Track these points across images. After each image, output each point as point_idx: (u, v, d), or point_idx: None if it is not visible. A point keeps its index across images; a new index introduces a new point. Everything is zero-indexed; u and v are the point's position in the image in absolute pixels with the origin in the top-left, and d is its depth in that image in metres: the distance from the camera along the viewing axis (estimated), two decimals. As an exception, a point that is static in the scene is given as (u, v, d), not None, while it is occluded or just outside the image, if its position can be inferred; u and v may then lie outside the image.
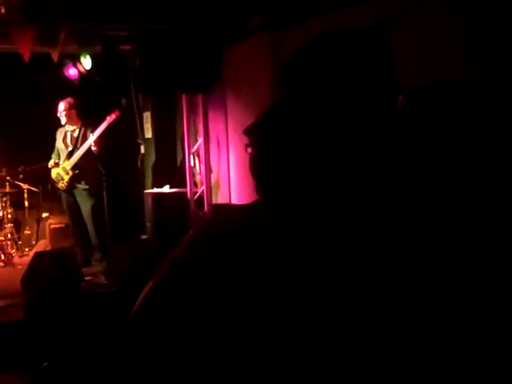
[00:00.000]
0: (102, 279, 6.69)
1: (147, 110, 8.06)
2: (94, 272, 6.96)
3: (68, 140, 7.26)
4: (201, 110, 6.96)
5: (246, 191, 6.70)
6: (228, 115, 7.01)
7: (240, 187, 7.10)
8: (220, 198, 7.23)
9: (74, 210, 7.32)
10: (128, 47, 6.91)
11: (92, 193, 7.27)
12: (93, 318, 5.62)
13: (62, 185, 7.22)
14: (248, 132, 1.46)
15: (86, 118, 7.28)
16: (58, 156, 7.32)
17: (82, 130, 7.23)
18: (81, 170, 7.17)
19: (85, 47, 6.80)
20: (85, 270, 6.84)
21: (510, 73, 3.88)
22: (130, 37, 6.58)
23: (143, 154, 8.21)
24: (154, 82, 6.44)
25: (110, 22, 6.16)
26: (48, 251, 6.90)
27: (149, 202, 7.32)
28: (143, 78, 6.47)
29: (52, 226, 7.80)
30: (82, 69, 7.45)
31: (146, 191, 7.60)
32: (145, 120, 8.12)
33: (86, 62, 7.16)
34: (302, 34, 5.85)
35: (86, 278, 6.67)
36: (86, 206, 7.26)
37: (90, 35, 6.60)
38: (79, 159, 7.11)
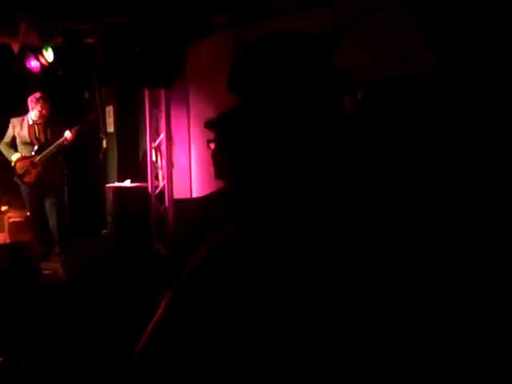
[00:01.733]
0: (61, 273, 6.66)
1: (110, 104, 8.03)
2: (53, 266, 6.93)
3: (37, 133, 7.19)
4: (163, 105, 6.96)
5: (207, 186, 6.73)
6: (190, 110, 7.03)
7: (201, 181, 7.13)
8: (181, 193, 7.24)
9: (37, 204, 7.28)
10: (91, 40, 6.87)
11: (56, 187, 7.25)
12: (50, 311, 5.60)
13: (28, 179, 7.15)
14: (208, 126, 1.50)
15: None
16: (14, 148, 7.20)
17: (50, 124, 7.20)
18: (46, 165, 7.14)
19: (46, 39, 6.74)
20: (44, 264, 6.80)
21: (471, 70, 3.97)
22: (93, 30, 6.54)
23: (105, 148, 8.17)
24: (116, 76, 6.42)
25: (72, 15, 6.12)
26: (6, 244, 6.84)
27: (110, 196, 7.29)
28: (106, 71, 6.44)
29: (11, 220, 7.72)
30: (44, 61, 7.38)
31: (107, 185, 7.57)
32: (107, 114, 8.09)
33: (48, 55, 7.09)
34: (263, 32, 5.89)
35: (45, 272, 6.65)
36: (49, 200, 7.23)
37: (51, 27, 6.54)
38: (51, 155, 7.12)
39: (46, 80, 7.72)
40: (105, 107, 8.05)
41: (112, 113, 8.02)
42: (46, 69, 7.54)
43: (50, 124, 7.24)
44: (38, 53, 7.35)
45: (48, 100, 7.22)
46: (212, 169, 1.49)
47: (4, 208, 7.84)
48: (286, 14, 5.55)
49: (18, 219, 7.75)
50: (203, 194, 6.88)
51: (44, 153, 7.15)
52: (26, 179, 7.18)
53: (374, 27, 4.73)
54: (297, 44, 1.36)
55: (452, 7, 4.11)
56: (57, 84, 7.74)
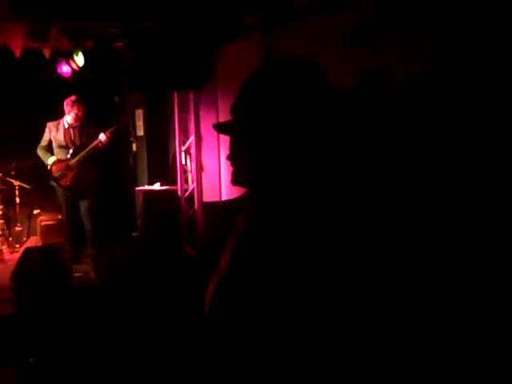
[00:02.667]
0: (92, 276, 6.71)
1: (139, 108, 8.09)
2: (85, 269, 6.99)
3: (72, 137, 7.28)
4: (192, 108, 6.98)
5: (236, 189, 6.72)
6: (219, 113, 7.02)
7: (230, 185, 7.11)
8: (210, 196, 7.25)
9: (72, 207, 7.35)
10: (121, 44, 6.92)
11: (91, 190, 7.33)
12: (82, 313, 5.64)
13: (64, 182, 7.24)
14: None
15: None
16: (51, 151, 7.31)
17: (85, 127, 7.28)
18: (81, 168, 7.23)
19: (77, 44, 6.81)
20: (75, 266, 6.87)
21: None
22: (122, 34, 6.58)
23: (135, 152, 8.23)
24: (145, 80, 6.44)
25: (102, 19, 6.17)
26: (38, 247, 6.92)
27: (139, 199, 7.33)
28: (134, 76, 6.48)
29: (43, 223, 7.81)
30: (74, 66, 7.47)
31: (136, 188, 7.62)
32: (137, 118, 8.14)
33: (79, 59, 7.17)
34: (291, 34, 5.87)
35: (76, 275, 6.70)
36: (84, 202, 7.30)
37: (81, 32, 6.61)
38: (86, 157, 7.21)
39: (77, 85, 7.80)
40: (134, 111, 8.11)
41: (142, 116, 8.08)
42: (76, 73, 7.63)
43: (85, 127, 7.33)
44: (68, 58, 7.44)
45: (83, 103, 7.30)
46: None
47: (36, 211, 7.94)
48: (309, 17, 5.53)
49: (50, 222, 7.83)
50: (232, 197, 6.88)
51: (79, 156, 7.23)
52: (62, 182, 7.26)
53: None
54: (294, 69, 1.47)
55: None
56: (87, 88, 7.82)
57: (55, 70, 7.72)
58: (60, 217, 7.73)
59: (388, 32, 4.71)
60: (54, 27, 6.29)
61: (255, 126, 1.43)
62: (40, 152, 7.35)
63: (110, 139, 7.31)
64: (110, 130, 7.35)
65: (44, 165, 7.38)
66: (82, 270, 6.95)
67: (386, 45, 4.73)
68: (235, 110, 1.53)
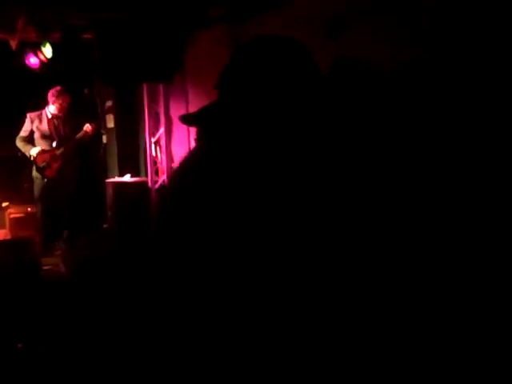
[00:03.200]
0: (62, 268, 6.68)
1: (109, 100, 8.04)
2: (55, 262, 6.94)
3: (57, 127, 7.21)
4: (162, 100, 6.97)
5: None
6: (189, 104, 7.02)
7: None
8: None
9: (51, 198, 7.27)
10: (89, 36, 6.87)
11: (74, 181, 7.28)
12: (51, 306, 5.62)
13: (49, 173, 7.16)
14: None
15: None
16: (31, 142, 7.20)
17: (69, 117, 7.22)
18: (66, 158, 7.18)
19: (44, 35, 6.74)
20: (45, 259, 6.82)
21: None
22: (90, 26, 6.54)
23: (105, 144, 8.19)
24: (113, 73, 6.42)
25: (69, 10, 6.12)
26: (6, 240, 6.85)
27: (110, 191, 7.31)
28: (103, 68, 6.45)
29: (12, 216, 7.74)
30: (42, 58, 7.39)
31: (107, 180, 7.59)
32: (107, 110, 8.10)
33: (47, 51, 7.10)
34: (259, 26, 5.89)
35: (46, 268, 6.66)
36: (66, 194, 7.24)
37: (48, 23, 6.55)
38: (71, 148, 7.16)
39: (45, 76, 7.73)
40: (104, 103, 8.07)
41: (112, 108, 8.03)
42: (45, 65, 7.55)
43: (69, 118, 7.25)
44: (36, 49, 7.36)
45: (68, 94, 7.22)
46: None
47: (5, 204, 7.86)
48: (284, 6, 5.55)
49: (19, 215, 7.77)
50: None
51: (65, 146, 7.16)
52: (47, 173, 7.17)
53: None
54: (279, 49, 1.49)
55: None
56: (56, 80, 7.74)
57: (23, 61, 7.63)
58: (29, 209, 7.67)
59: (357, 22, 4.77)
60: (21, 17, 6.23)
61: (239, 99, 1.47)
62: (20, 143, 7.23)
63: (95, 130, 7.30)
64: (95, 121, 7.33)
65: (12, 156, 7.30)
66: (52, 262, 6.91)
67: (357, 34, 4.79)
68: (221, 81, 1.56)
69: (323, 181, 1.36)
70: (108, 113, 8.10)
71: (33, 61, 7.63)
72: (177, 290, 1.48)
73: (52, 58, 7.14)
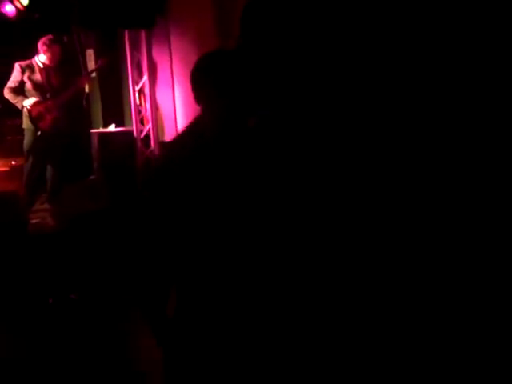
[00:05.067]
0: (50, 221, 6.64)
1: (90, 48, 7.84)
2: (42, 215, 6.89)
3: (50, 78, 7.00)
4: (144, 47, 6.81)
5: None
6: (172, 51, 6.87)
7: (187, 123, 7.02)
8: (166, 135, 7.16)
9: (43, 150, 7.11)
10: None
11: (68, 133, 7.13)
12: (41, 260, 5.60)
13: (43, 124, 6.99)
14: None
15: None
16: (20, 91, 7.00)
17: (61, 68, 7.02)
18: (61, 110, 7.01)
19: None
20: (33, 213, 6.77)
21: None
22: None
23: (88, 93, 8.02)
24: (94, 19, 6.24)
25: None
26: (-9, 195, 6.77)
27: (95, 142, 7.21)
28: (83, 14, 6.26)
29: (-4, 169, 7.66)
30: (19, 5, 7.17)
31: (91, 131, 7.47)
32: (88, 58, 7.90)
33: (23, -1, 6.89)
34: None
35: (34, 221, 6.61)
36: (58, 146, 7.09)
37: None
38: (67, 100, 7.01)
39: (22, 24, 7.52)
40: (85, 51, 7.87)
41: (93, 56, 7.84)
42: (21, 13, 7.33)
43: (61, 68, 7.05)
44: (12, -4, 7.14)
45: (59, 43, 7.00)
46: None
47: (-13, 158, 7.76)
48: None
49: (3, 169, 7.67)
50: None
51: (61, 97, 6.98)
52: (41, 125, 7.00)
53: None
54: None
55: None
56: (34, 28, 7.52)
57: (-2, 9, 7.41)
58: (14, 163, 7.57)
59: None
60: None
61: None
62: (9, 94, 7.00)
63: (89, 82, 7.15)
64: (89, 72, 7.14)
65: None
66: (39, 216, 6.85)
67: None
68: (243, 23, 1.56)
69: (319, 172, 1.32)
70: (89, 61, 7.91)
71: (8, 8, 7.40)
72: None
73: (28, 5, 6.92)
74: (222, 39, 5.68)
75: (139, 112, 7.16)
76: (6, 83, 6.93)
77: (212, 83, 1.56)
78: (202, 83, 1.59)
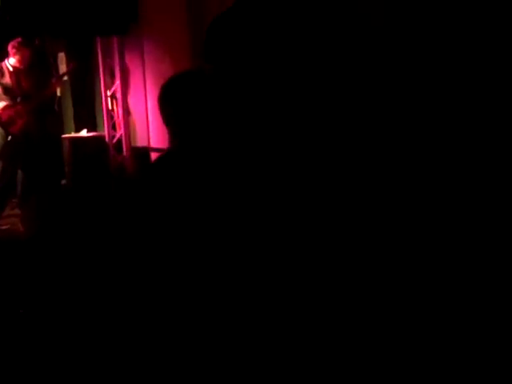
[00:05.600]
0: (20, 227, 6.59)
1: (61, 51, 7.78)
2: (12, 221, 6.83)
3: (20, 81, 6.92)
4: (116, 54, 6.79)
5: (165, 133, 6.64)
6: (145, 57, 6.85)
7: (159, 129, 7.02)
8: (139, 141, 7.15)
9: (13, 155, 7.04)
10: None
11: (38, 138, 7.05)
12: (10, 266, 5.56)
13: (13, 129, 6.90)
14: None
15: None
16: None
17: (31, 71, 6.94)
18: (31, 114, 6.93)
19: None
20: (2, 219, 6.72)
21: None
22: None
23: (59, 97, 7.96)
24: (65, 25, 6.20)
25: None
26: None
27: (66, 147, 7.16)
28: (53, 20, 6.22)
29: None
30: (-10, 7, 7.07)
31: (63, 136, 7.42)
32: (60, 61, 7.84)
33: (-5, 1, 6.79)
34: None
35: (4, 228, 6.57)
36: (30, 151, 7.01)
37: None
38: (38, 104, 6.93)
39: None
40: (57, 54, 7.81)
41: (64, 60, 7.78)
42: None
43: (31, 71, 6.97)
44: (-17, -1, 7.04)
45: (29, 46, 6.92)
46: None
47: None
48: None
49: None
50: (161, 141, 6.79)
51: (32, 101, 6.91)
52: (12, 129, 6.93)
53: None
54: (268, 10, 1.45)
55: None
56: (5, 31, 7.43)
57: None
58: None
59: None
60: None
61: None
62: None
63: (60, 86, 7.09)
64: (61, 76, 7.08)
65: None
66: (9, 222, 6.80)
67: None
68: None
69: (321, 178, 1.34)
70: (61, 64, 7.86)
71: (-21, 10, 7.30)
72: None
73: (0, 7, 6.83)
74: (193, 44, 5.71)
75: (111, 117, 7.13)
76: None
77: (166, 109, 1.66)
78: (160, 107, 1.69)
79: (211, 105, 1.50)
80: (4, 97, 6.90)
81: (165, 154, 1.67)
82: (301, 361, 1.25)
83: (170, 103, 1.64)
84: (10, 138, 6.90)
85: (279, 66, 1.43)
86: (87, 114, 7.74)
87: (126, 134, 7.02)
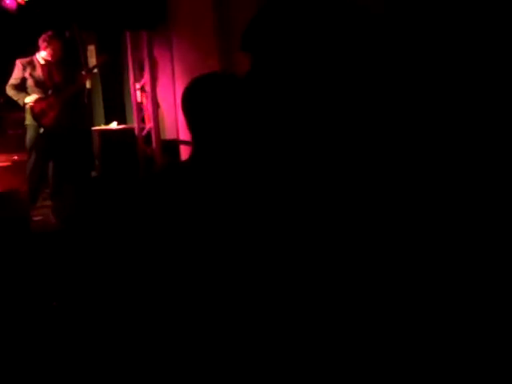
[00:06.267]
0: (52, 219, 6.69)
1: (91, 44, 7.85)
2: (44, 212, 6.94)
3: (51, 74, 7.01)
4: (145, 47, 6.82)
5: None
6: (173, 51, 6.88)
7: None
8: (167, 134, 7.20)
9: (45, 147, 7.14)
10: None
11: (71, 130, 7.15)
12: (43, 257, 5.65)
13: (46, 121, 7.00)
14: None
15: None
16: (24, 90, 7.02)
17: (62, 64, 7.03)
18: (64, 106, 7.02)
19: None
20: (35, 210, 6.82)
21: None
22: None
23: (89, 90, 8.04)
24: (95, 18, 6.25)
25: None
26: (-5, 193, 6.81)
27: (96, 139, 7.24)
28: (84, 13, 6.27)
29: (-1, 164, 7.65)
30: (20, 0, 7.14)
31: (93, 128, 7.50)
32: (89, 54, 7.92)
33: (25, -7, 6.86)
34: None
35: (36, 219, 6.67)
36: (62, 143, 7.11)
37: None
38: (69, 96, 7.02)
39: (22, 19, 7.48)
40: (86, 47, 7.88)
41: (94, 53, 7.85)
42: (23, 7, 7.30)
43: (62, 64, 7.06)
44: (14, -9, 7.11)
45: (60, 39, 7.01)
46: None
47: (-10, 153, 7.76)
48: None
49: (5, 164, 7.67)
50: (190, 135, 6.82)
51: (63, 93, 7.00)
52: (44, 121, 7.03)
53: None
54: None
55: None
56: (35, 23, 7.51)
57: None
58: (16, 158, 7.57)
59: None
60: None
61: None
62: (11, 91, 7.02)
63: (90, 78, 7.18)
64: (91, 69, 7.16)
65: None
66: (42, 213, 6.90)
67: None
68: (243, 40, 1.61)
69: (322, 179, 1.36)
70: (91, 58, 7.93)
71: (10, 2, 7.37)
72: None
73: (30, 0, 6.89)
74: (221, 39, 5.73)
75: (140, 110, 7.19)
76: (7, 80, 6.96)
77: (185, 116, 1.67)
78: (183, 110, 1.68)
79: (227, 114, 1.52)
80: (36, 89, 6.99)
81: (175, 162, 1.74)
82: (301, 361, 1.28)
83: (185, 111, 1.67)
84: (42, 130, 6.99)
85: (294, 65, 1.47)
86: (117, 107, 7.80)
87: (155, 127, 7.07)
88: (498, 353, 1.30)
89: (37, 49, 7.00)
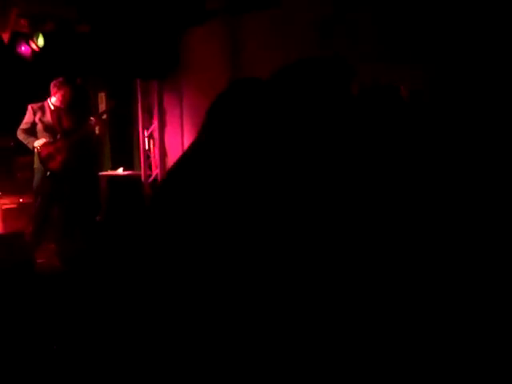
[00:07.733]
0: (56, 261, 6.69)
1: (102, 91, 7.99)
2: (48, 255, 6.94)
3: (60, 119, 7.12)
4: (155, 95, 6.95)
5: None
6: (183, 99, 7.01)
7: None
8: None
9: (52, 191, 7.20)
10: (84, 28, 6.80)
11: (78, 174, 7.22)
12: (48, 300, 5.63)
13: (53, 165, 7.08)
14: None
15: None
16: (33, 134, 7.13)
17: (72, 110, 7.15)
18: (71, 151, 7.11)
19: (37, 27, 6.68)
20: (39, 252, 6.82)
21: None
22: (85, 19, 6.48)
23: (98, 135, 8.15)
24: (107, 67, 6.39)
25: (63, 3, 6.07)
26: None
27: (103, 184, 7.30)
28: (97, 61, 6.41)
29: (4, 207, 7.69)
30: (34, 47, 7.31)
31: (100, 173, 7.57)
32: (99, 100, 8.05)
33: (39, 41, 7.03)
34: (258, 20, 5.86)
35: (40, 261, 6.67)
36: (70, 187, 7.17)
37: (41, 15, 6.48)
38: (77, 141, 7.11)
39: (37, 65, 7.64)
40: (97, 93, 8.02)
41: (104, 99, 7.98)
42: (36, 54, 7.46)
43: (71, 110, 7.18)
44: (28, 38, 7.27)
45: (69, 85, 7.14)
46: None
47: (-3, 194, 7.82)
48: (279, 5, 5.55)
49: (11, 206, 7.73)
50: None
51: (70, 138, 7.10)
52: (51, 165, 7.10)
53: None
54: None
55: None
56: (48, 69, 7.66)
57: (14, 49, 7.54)
58: (21, 200, 7.63)
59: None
60: (13, 10, 6.16)
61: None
62: (22, 135, 7.13)
63: (99, 124, 7.26)
64: (100, 115, 7.27)
65: (5, 148, 7.21)
66: (46, 255, 6.91)
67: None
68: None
69: (322, 180, 1.38)
70: (101, 103, 8.06)
71: (24, 50, 7.53)
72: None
73: (44, 47, 7.05)
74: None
75: (148, 157, 7.27)
76: (19, 124, 7.09)
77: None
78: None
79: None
80: (45, 134, 7.09)
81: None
82: (301, 361, 1.28)
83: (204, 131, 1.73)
84: (48, 173, 7.06)
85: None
86: (124, 153, 7.89)
87: (161, 174, 7.14)
88: (497, 353, 1.31)
89: (48, 94, 7.13)
